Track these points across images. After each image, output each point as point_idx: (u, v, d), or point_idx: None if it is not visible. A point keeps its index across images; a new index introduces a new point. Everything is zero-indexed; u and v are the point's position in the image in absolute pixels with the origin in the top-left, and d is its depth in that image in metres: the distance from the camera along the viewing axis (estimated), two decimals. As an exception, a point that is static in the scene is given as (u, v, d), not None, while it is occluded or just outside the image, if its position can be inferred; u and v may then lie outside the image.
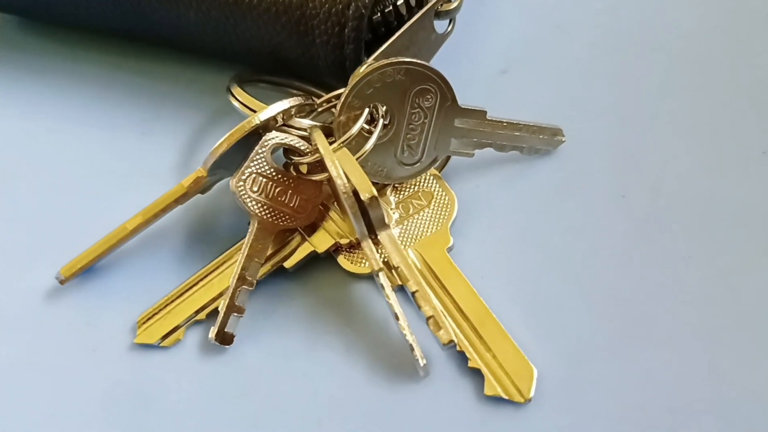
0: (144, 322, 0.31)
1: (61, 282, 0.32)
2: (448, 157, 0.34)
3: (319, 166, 0.32)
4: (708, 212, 0.32)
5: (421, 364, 0.29)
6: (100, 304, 0.32)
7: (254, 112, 0.33)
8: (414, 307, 0.29)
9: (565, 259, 0.31)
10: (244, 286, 0.31)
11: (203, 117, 0.37)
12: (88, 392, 0.31)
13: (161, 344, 0.31)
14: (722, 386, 0.28)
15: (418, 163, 0.33)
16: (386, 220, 0.29)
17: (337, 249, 0.32)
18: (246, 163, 0.31)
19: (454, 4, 0.34)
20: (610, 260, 0.31)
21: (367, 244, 0.29)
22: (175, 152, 0.36)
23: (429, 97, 0.31)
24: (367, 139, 0.31)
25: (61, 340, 0.32)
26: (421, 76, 0.31)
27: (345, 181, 0.28)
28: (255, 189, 0.31)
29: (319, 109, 0.33)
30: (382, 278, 0.29)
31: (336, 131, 0.31)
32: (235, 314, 0.31)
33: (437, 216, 0.32)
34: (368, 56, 0.33)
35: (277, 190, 0.31)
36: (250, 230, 0.31)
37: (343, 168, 0.29)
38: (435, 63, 0.32)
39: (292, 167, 0.32)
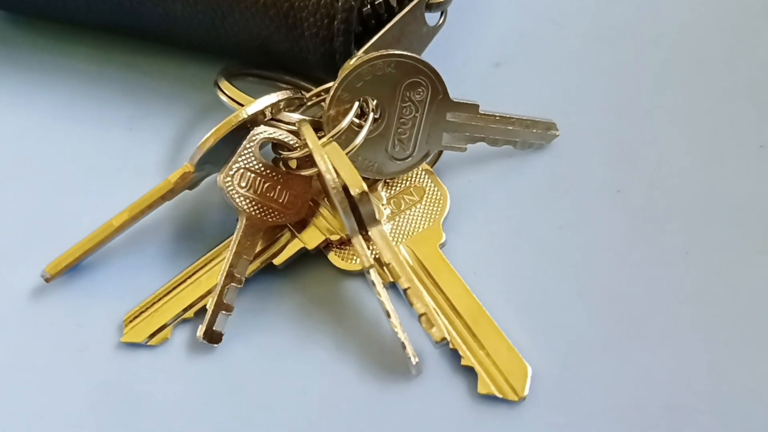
0: (131, 321, 0.31)
1: (47, 280, 0.31)
2: (441, 152, 0.33)
3: (309, 161, 0.31)
4: (705, 207, 0.31)
5: (414, 363, 0.28)
6: (87, 303, 0.32)
7: (242, 106, 0.32)
8: (406, 304, 0.29)
9: (559, 255, 0.31)
10: (232, 284, 0.30)
11: (191, 112, 0.36)
12: (75, 392, 0.30)
13: (148, 343, 0.31)
14: (720, 384, 0.28)
15: (410, 158, 0.32)
16: (377, 216, 0.29)
17: (327, 245, 0.32)
18: (234, 158, 0.31)
19: (446, -4, 0.33)
20: (606, 256, 0.31)
21: (358, 241, 0.29)
22: (163, 148, 0.35)
23: (420, 90, 0.31)
24: (357, 133, 0.31)
25: (47, 339, 0.31)
26: (412, 69, 0.30)
27: (334, 176, 0.28)
28: (243, 184, 0.31)
29: (309, 103, 0.32)
30: (373, 275, 0.28)
31: (325, 125, 0.31)
32: (224, 312, 0.30)
33: (429, 212, 0.32)
34: (358, 49, 0.32)
35: (266, 185, 0.31)
36: (238, 227, 0.31)
37: (332, 163, 0.28)
38: (426, 56, 0.32)
39: (280, 162, 0.32)
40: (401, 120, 0.31)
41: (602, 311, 0.30)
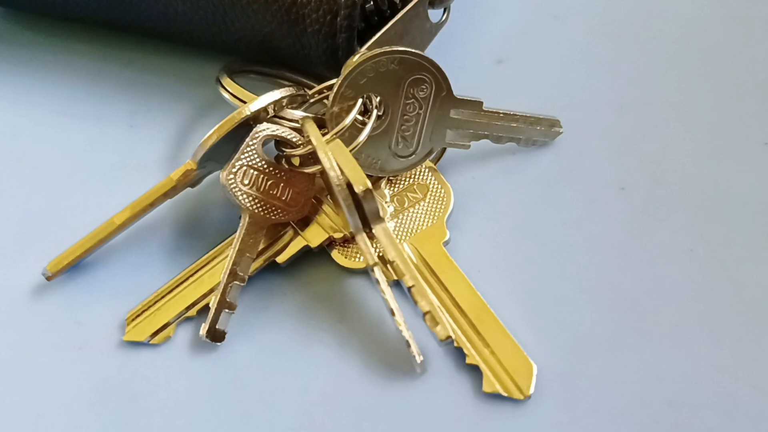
0: (133, 320, 0.31)
1: (48, 278, 0.31)
2: (444, 149, 0.33)
3: (312, 158, 0.31)
4: (709, 204, 0.31)
5: (418, 361, 0.28)
6: (88, 301, 0.32)
7: (244, 103, 0.32)
8: (409, 302, 0.29)
9: (563, 252, 0.31)
10: (235, 282, 0.30)
11: (192, 109, 0.36)
12: (76, 391, 0.30)
13: (151, 342, 0.30)
14: (724, 380, 0.28)
15: (413, 155, 0.32)
16: (381, 214, 0.29)
17: (330, 243, 0.31)
18: (236, 156, 0.30)
19: (449, -7, 0.33)
20: (610, 253, 0.31)
21: (362, 238, 0.28)
22: (164, 145, 0.35)
23: (424, 87, 0.31)
24: (360, 130, 0.30)
25: (48, 337, 0.31)
26: (415, 66, 0.30)
27: (339, 173, 0.28)
28: (246, 182, 0.30)
29: (311, 100, 0.32)
30: (378, 273, 0.28)
31: (329, 122, 0.30)
32: (227, 310, 0.30)
33: (433, 209, 0.32)
34: (361, 46, 0.32)
35: (269, 183, 0.31)
36: (241, 224, 0.30)
37: (336, 160, 0.28)
38: (429, 53, 0.31)
39: (283, 159, 0.31)
40: (405, 117, 0.31)
41: (607, 308, 0.29)
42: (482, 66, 0.36)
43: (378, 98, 0.31)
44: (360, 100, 0.30)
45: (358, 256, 0.31)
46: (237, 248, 0.30)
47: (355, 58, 0.30)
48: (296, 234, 0.31)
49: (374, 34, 0.32)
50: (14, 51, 0.39)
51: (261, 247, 0.31)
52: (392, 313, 0.28)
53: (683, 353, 0.28)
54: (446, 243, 0.31)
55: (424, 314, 0.28)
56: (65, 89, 0.37)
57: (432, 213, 0.32)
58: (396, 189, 0.32)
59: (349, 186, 0.28)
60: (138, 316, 0.31)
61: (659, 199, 0.31)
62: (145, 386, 0.30)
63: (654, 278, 0.30)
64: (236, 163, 0.30)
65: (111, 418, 0.29)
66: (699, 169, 0.32)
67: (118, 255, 0.33)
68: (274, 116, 0.31)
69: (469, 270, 0.30)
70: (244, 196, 0.30)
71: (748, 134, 0.33)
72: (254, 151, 0.30)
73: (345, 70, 0.30)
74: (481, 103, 0.32)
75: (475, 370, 0.29)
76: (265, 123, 0.31)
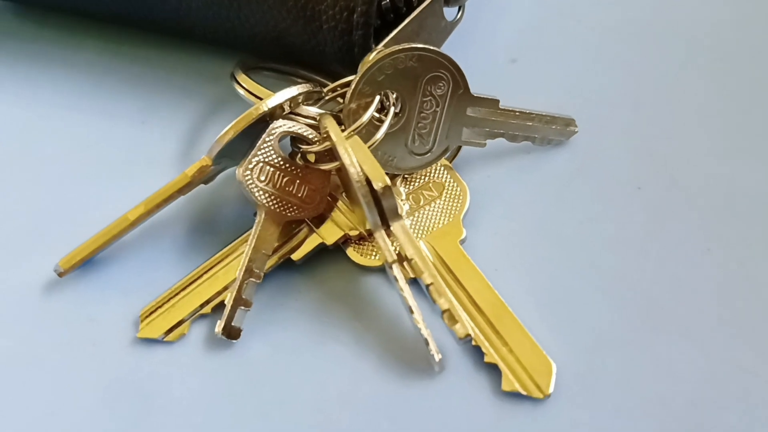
0: (147, 316, 0.30)
1: (60, 274, 0.31)
2: (459, 147, 0.33)
3: (327, 155, 0.31)
4: (726, 203, 0.31)
5: (437, 359, 0.28)
6: (100, 297, 0.31)
7: (260, 99, 0.32)
8: (426, 300, 0.29)
9: (580, 250, 0.31)
10: (251, 279, 0.30)
11: (204, 105, 0.36)
12: (89, 388, 0.29)
13: (165, 339, 0.30)
14: (746, 379, 0.28)
15: (429, 153, 0.32)
16: (399, 211, 0.28)
17: (345, 241, 0.31)
18: (253, 152, 0.30)
19: (465, -9, 0.33)
20: (627, 252, 0.30)
21: (381, 236, 0.28)
22: (176, 141, 0.35)
23: (441, 84, 0.31)
24: (377, 127, 0.30)
25: (61, 334, 0.31)
26: (433, 63, 0.30)
27: (359, 169, 0.27)
28: (262, 178, 0.30)
29: (326, 97, 0.32)
30: (396, 270, 0.28)
31: (346, 119, 0.30)
32: (242, 308, 0.30)
33: (449, 207, 0.32)
34: (377, 43, 0.32)
35: (285, 179, 0.30)
36: (257, 221, 0.30)
37: (355, 156, 0.28)
38: (444, 51, 0.31)
39: (299, 156, 0.31)
40: (422, 114, 0.31)
41: (625, 307, 0.29)
42: (496, 65, 0.36)
43: (395, 95, 0.31)
44: (378, 97, 0.30)
45: (374, 253, 0.31)
46: (253, 245, 0.30)
47: (373, 55, 0.30)
48: (311, 231, 0.31)
49: (389, 32, 0.32)
50: (23, 46, 0.38)
51: (276, 244, 0.31)
52: (411, 311, 0.28)
53: (703, 352, 0.28)
54: (462, 241, 0.31)
55: (443, 312, 0.28)
56: (74, 85, 0.37)
57: (448, 211, 0.32)
58: (411, 187, 0.32)
59: (368, 182, 0.28)
60: (152, 312, 0.30)
61: (676, 199, 0.31)
62: (159, 383, 0.29)
63: (672, 277, 0.30)
64: (253, 160, 0.30)
65: (125, 416, 0.29)
66: (715, 168, 0.32)
67: (130, 251, 0.32)
68: (290, 113, 0.31)
69: (486, 268, 0.30)
70: (261, 192, 0.30)
71: (765, 133, 0.33)
72: (271, 148, 0.30)
73: (363, 67, 0.30)
74: (498, 101, 0.31)
75: (493, 369, 0.28)
76: (281, 119, 0.31)
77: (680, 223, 0.31)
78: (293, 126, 0.31)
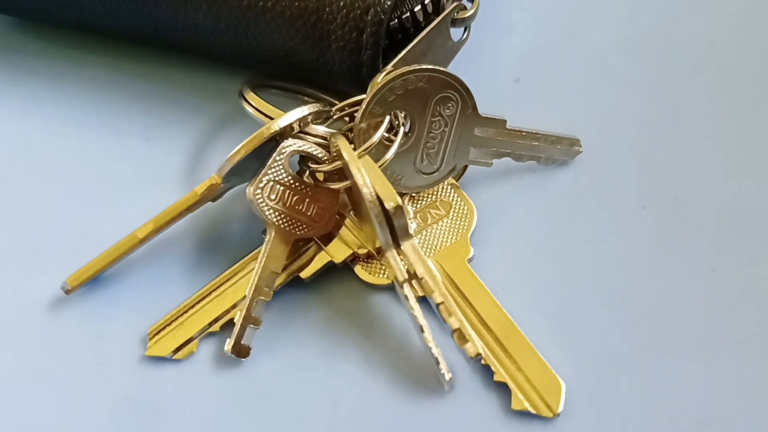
0: (155, 334, 0.30)
1: (67, 292, 0.31)
2: (466, 166, 0.33)
3: (336, 173, 0.31)
4: (730, 223, 0.32)
5: (447, 378, 0.28)
6: (108, 315, 0.31)
7: (269, 117, 0.32)
8: (435, 318, 0.29)
9: (587, 270, 0.31)
10: (260, 297, 0.30)
11: (209, 122, 0.36)
12: (97, 407, 0.29)
13: (174, 357, 0.30)
14: (753, 397, 0.28)
15: (437, 173, 0.32)
16: (410, 230, 0.29)
17: (354, 259, 0.31)
18: (263, 171, 0.30)
19: (470, 12, 0.33)
20: (633, 272, 0.31)
21: (392, 254, 0.28)
22: (182, 158, 0.35)
23: (450, 105, 0.31)
24: (386, 147, 0.31)
25: (68, 352, 0.31)
26: (443, 84, 0.30)
27: (372, 189, 0.28)
28: (273, 197, 0.30)
29: (335, 117, 0.32)
30: (407, 289, 0.28)
31: (356, 138, 0.30)
32: (252, 326, 0.30)
33: (456, 226, 0.32)
34: (384, 63, 0.32)
35: (295, 198, 0.31)
36: (266, 239, 0.30)
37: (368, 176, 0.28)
38: (449, 71, 0.32)
39: (306, 174, 0.31)
40: (430, 134, 0.31)
41: (633, 326, 0.30)
42: (500, 84, 0.36)
43: (404, 115, 0.31)
44: (388, 117, 0.30)
45: (382, 271, 0.31)
46: (263, 264, 0.30)
47: (382, 76, 0.30)
48: (319, 249, 0.31)
49: (397, 51, 0.32)
50: (26, 61, 0.38)
51: (285, 262, 0.31)
52: (421, 330, 0.28)
53: (711, 371, 0.29)
54: (470, 260, 0.31)
55: (453, 331, 0.28)
56: (78, 101, 0.37)
57: (455, 230, 0.32)
58: (419, 205, 0.32)
59: (380, 202, 0.28)
60: (160, 330, 0.30)
61: (680, 218, 0.32)
62: (168, 402, 0.29)
63: (678, 296, 0.30)
64: (263, 178, 0.30)
65: (134, 434, 0.29)
66: (719, 188, 0.32)
67: (137, 269, 0.32)
68: (299, 132, 0.31)
69: (494, 287, 0.30)
70: (271, 211, 0.30)
71: (768, 151, 0.34)
72: (281, 167, 0.30)
73: (374, 87, 0.30)
74: (505, 121, 0.32)
75: (503, 388, 0.29)
76: (290, 139, 0.31)
77: (684, 242, 0.31)
78: (303, 145, 0.31)
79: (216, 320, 0.31)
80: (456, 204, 0.32)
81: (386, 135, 0.31)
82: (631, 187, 0.33)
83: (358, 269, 0.31)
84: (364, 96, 0.31)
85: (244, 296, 0.30)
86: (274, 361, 0.30)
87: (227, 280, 0.31)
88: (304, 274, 0.31)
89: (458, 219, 0.32)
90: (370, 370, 0.30)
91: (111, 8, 0.35)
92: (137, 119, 0.36)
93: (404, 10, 0.32)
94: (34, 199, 0.34)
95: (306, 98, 0.35)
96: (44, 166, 0.35)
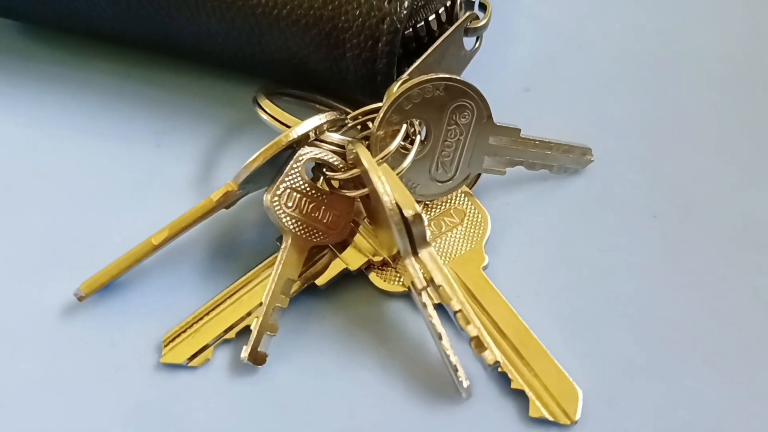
0: (170, 341, 0.30)
1: (80, 298, 0.31)
2: (479, 174, 0.33)
3: (352, 181, 0.31)
4: (740, 232, 0.32)
5: (465, 386, 0.28)
6: (121, 322, 0.31)
7: (284, 125, 0.32)
8: (451, 326, 0.29)
9: (601, 278, 0.31)
10: (277, 304, 0.30)
11: (219, 129, 0.36)
12: (111, 415, 0.29)
13: (189, 364, 0.30)
14: (766, 406, 0.28)
15: (451, 181, 0.32)
16: (428, 238, 0.29)
17: (368, 266, 0.32)
18: (281, 178, 0.30)
19: (483, 21, 0.34)
20: (646, 280, 0.31)
21: (410, 262, 0.29)
22: (192, 165, 0.35)
23: (466, 113, 0.31)
24: (402, 155, 0.31)
25: (81, 359, 0.30)
26: (459, 93, 0.31)
27: (392, 197, 0.28)
28: (289, 204, 0.30)
29: (349, 124, 0.32)
30: (425, 297, 0.28)
31: (373, 146, 0.31)
32: (268, 333, 0.30)
33: (471, 234, 0.32)
34: (398, 71, 0.32)
35: (311, 205, 0.31)
36: (283, 247, 0.30)
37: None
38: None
39: (322, 182, 0.32)
40: (446, 143, 0.31)
41: (647, 334, 0.30)
42: (510, 93, 0.36)
43: (420, 123, 0.31)
44: (405, 126, 0.31)
45: (397, 279, 0.31)
46: (279, 271, 0.30)
47: (399, 84, 0.31)
48: (334, 257, 0.31)
49: (410, 60, 0.32)
50: (33, 67, 0.38)
51: (301, 269, 0.31)
52: (439, 338, 0.28)
53: (724, 380, 0.29)
54: (485, 267, 0.31)
55: (471, 339, 0.28)
56: (87, 107, 0.37)
57: (470, 237, 0.32)
58: (433, 213, 0.33)
59: (399, 210, 0.28)
60: (176, 338, 0.30)
61: (691, 227, 0.32)
62: (184, 410, 0.29)
63: (691, 305, 0.30)
64: (280, 186, 0.30)
65: (150, 441, 0.29)
66: (729, 198, 0.33)
67: (150, 275, 0.32)
68: (315, 139, 0.31)
69: (509, 295, 0.31)
70: (288, 218, 0.30)
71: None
72: (298, 174, 0.31)
73: (391, 96, 0.30)
74: (519, 130, 0.32)
75: (520, 395, 0.29)
76: (307, 146, 0.31)
77: (696, 251, 0.32)
78: (320, 153, 0.31)
79: (231, 327, 0.30)
80: (470, 212, 0.32)
81: (402, 143, 0.31)
82: (643, 195, 0.33)
83: (373, 276, 0.31)
84: (379, 104, 0.31)
85: (260, 303, 0.30)
86: (290, 369, 0.30)
87: (242, 287, 0.31)
88: (320, 281, 0.31)
89: (472, 227, 0.32)
90: (386, 378, 0.30)
91: (122, 14, 0.35)
92: (147, 126, 0.36)
93: (419, 19, 0.32)
94: (45, 206, 0.34)
95: (318, 105, 0.35)
96: (53, 173, 0.35)
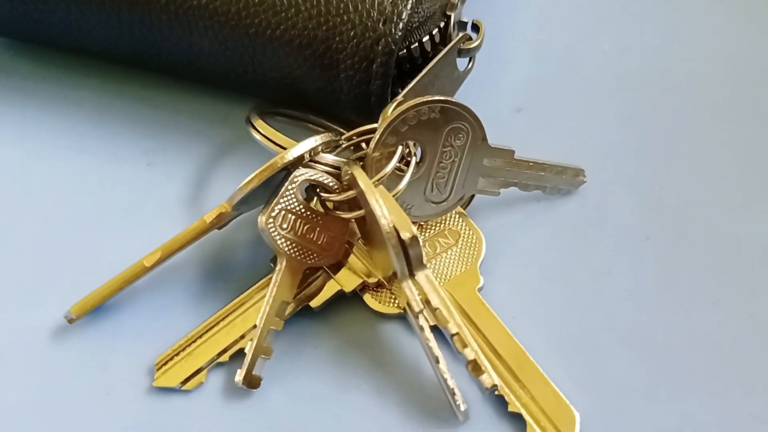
0: (163, 364, 0.30)
1: (70, 321, 0.30)
2: (473, 195, 0.33)
3: (346, 202, 0.31)
4: (733, 255, 0.32)
5: (462, 409, 0.28)
6: (112, 345, 0.31)
7: (277, 145, 0.32)
8: (447, 348, 0.29)
9: (595, 300, 0.31)
10: (272, 327, 0.29)
11: (210, 148, 0.36)
12: (104, 438, 0.29)
13: (182, 388, 0.30)
14: (761, 429, 0.28)
15: (445, 202, 0.32)
16: (424, 260, 0.29)
17: (363, 288, 0.31)
18: (275, 200, 0.30)
19: (476, 42, 0.34)
20: (640, 302, 0.31)
21: (407, 284, 0.28)
22: (183, 184, 0.35)
23: (461, 135, 0.31)
24: (398, 176, 0.31)
25: (72, 383, 0.30)
26: (455, 115, 0.31)
27: (390, 220, 0.28)
28: (285, 226, 0.30)
29: (344, 145, 0.32)
30: (422, 320, 0.28)
31: (368, 168, 0.30)
32: (263, 356, 0.29)
33: (465, 255, 0.32)
34: (391, 92, 0.32)
35: (306, 227, 0.31)
36: (277, 269, 0.30)
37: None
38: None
39: (315, 203, 0.31)
40: (441, 164, 0.31)
41: (642, 357, 0.30)
42: (502, 114, 0.36)
43: (415, 145, 0.31)
44: (400, 148, 0.30)
45: (392, 300, 0.31)
46: (274, 293, 0.30)
47: (394, 106, 0.31)
48: (328, 278, 0.31)
49: (404, 80, 0.32)
50: (21, 84, 0.38)
51: (295, 291, 0.31)
52: (436, 361, 0.28)
53: (719, 402, 0.29)
54: (480, 289, 0.31)
55: (468, 362, 0.28)
56: (77, 125, 0.36)
57: (464, 259, 0.32)
58: (427, 234, 0.32)
59: (396, 233, 0.28)
60: (168, 361, 0.30)
61: (684, 250, 0.32)
62: (177, 433, 0.29)
63: (684, 327, 0.31)
64: (275, 207, 0.30)
65: (143, 467, 0.28)
66: (722, 219, 0.33)
67: (141, 297, 0.32)
68: (309, 161, 0.31)
69: (504, 316, 0.31)
70: (283, 240, 0.30)
71: (770, 183, 0.34)
72: (293, 196, 0.30)
73: (386, 117, 0.30)
74: (513, 151, 0.32)
75: (517, 418, 0.29)
76: (302, 168, 0.31)
77: (689, 273, 0.32)
78: (314, 174, 0.31)
79: (225, 350, 0.30)
80: (464, 233, 0.32)
81: (397, 165, 0.31)
82: (636, 216, 0.33)
83: (368, 298, 0.31)
84: (374, 125, 0.31)
85: (254, 326, 0.30)
86: (285, 392, 0.30)
87: (236, 309, 0.31)
88: (315, 303, 0.31)
89: (467, 248, 0.32)
90: (382, 401, 0.30)
91: (113, 33, 0.34)
92: (138, 144, 0.36)
93: (413, 40, 0.32)
94: (34, 226, 0.33)
95: (311, 125, 0.35)
96: (42, 193, 0.34)
